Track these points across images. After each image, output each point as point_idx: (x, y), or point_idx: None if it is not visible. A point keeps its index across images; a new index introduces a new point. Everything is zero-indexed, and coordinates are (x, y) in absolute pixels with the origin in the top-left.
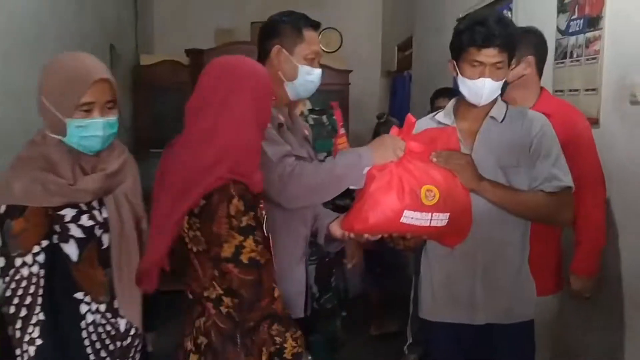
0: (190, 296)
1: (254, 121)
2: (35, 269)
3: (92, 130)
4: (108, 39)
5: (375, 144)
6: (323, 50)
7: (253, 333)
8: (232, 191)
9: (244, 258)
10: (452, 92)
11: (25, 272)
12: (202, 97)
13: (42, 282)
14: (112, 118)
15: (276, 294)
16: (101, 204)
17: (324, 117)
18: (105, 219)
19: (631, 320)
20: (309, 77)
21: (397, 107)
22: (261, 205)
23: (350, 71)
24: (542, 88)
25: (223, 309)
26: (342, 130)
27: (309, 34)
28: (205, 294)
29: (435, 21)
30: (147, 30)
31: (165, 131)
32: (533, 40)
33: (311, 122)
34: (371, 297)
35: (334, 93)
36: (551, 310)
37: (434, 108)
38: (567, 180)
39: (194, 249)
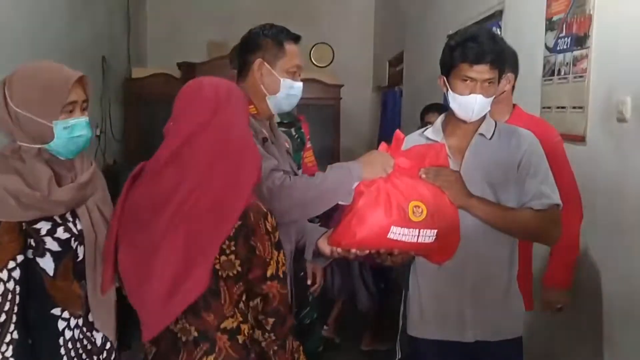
0: (195, 334)
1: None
2: (10, 285)
3: (78, 129)
4: (100, 52)
5: (365, 159)
6: (315, 65)
7: (265, 357)
8: (263, 208)
9: (280, 273)
10: (442, 107)
11: (0, 288)
12: (192, 120)
13: (17, 298)
14: (87, 118)
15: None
16: (74, 215)
17: (293, 130)
18: (80, 230)
19: (611, 334)
20: (292, 91)
21: (388, 122)
22: None
23: (342, 86)
24: (514, 104)
25: (240, 338)
26: (308, 144)
27: (290, 47)
28: (223, 325)
29: (425, 37)
30: (140, 44)
31: (156, 144)
32: (511, 58)
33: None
34: (371, 312)
35: (325, 107)
36: (531, 325)
37: (424, 123)
38: (555, 197)
39: (224, 275)
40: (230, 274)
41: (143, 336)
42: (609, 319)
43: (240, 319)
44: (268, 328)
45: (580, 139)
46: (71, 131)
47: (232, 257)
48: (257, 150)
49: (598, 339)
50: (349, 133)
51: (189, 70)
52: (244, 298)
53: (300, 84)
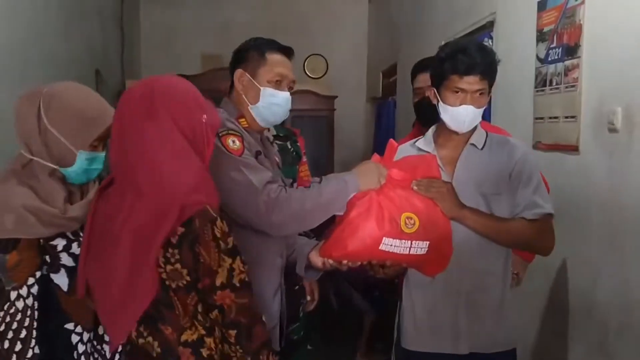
0: (159, 349)
1: (183, 139)
2: (30, 301)
3: (97, 163)
4: (94, 65)
5: (360, 170)
6: (309, 76)
7: None
8: (213, 213)
9: (236, 281)
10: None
11: (20, 304)
12: (122, 129)
13: (36, 314)
14: (105, 153)
15: (264, 318)
16: (82, 231)
17: (288, 144)
18: None
19: (607, 346)
20: (274, 100)
21: (383, 133)
22: None
23: (336, 97)
24: None
25: (205, 352)
26: (304, 158)
27: (273, 56)
28: (183, 339)
29: (418, 48)
30: (134, 56)
31: None
32: None
33: (276, 148)
34: (364, 322)
35: (319, 118)
36: (524, 336)
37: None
38: (547, 207)
39: (173, 285)
40: (180, 284)
41: (110, 346)
42: (605, 330)
43: (203, 331)
44: (232, 341)
45: (574, 149)
46: (90, 163)
47: (178, 266)
48: (192, 157)
49: (593, 351)
50: (343, 144)
51: None
52: (200, 309)
53: (285, 94)
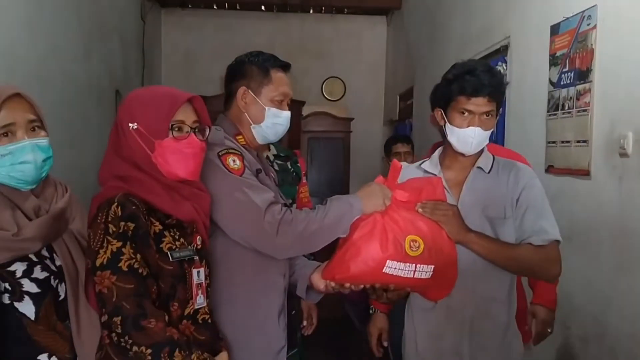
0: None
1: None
2: None
3: (19, 155)
4: (114, 85)
5: (364, 192)
6: (326, 98)
7: None
8: (115, 199)
9: (123, 265)
10: (409, 138)
11: None
12: None
13: None
14: (42, 140)
15: (166, 318)
16: (50, 250)
17: (289, 164)
18: (59, 267)
19: None
20: (277, 120)
21: None
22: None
23: (352, 119)
24: None
25: (114, 336)
26: (304, 179)
27: (277, 75)
28: (102, 319)
29: (434, 72)
30: (154, 78)
31: None
32: None
33: (276, 167)
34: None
35: (336, 140)
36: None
37: (391, 154)
38: (555, 233)
39: (89, 264)
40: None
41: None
42: (615, 357)
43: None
44: (119, 331)
45: (585, 173)
46: (10, 158)
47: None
48: (111, 155)
49: None
50: (359, 166)
51: None
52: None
53: (287, 113)
